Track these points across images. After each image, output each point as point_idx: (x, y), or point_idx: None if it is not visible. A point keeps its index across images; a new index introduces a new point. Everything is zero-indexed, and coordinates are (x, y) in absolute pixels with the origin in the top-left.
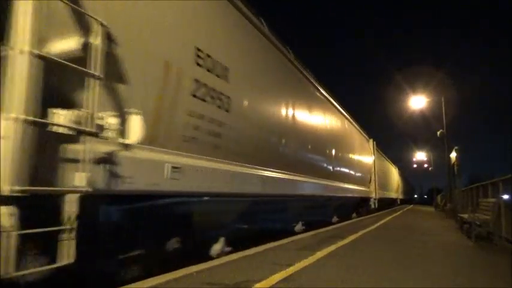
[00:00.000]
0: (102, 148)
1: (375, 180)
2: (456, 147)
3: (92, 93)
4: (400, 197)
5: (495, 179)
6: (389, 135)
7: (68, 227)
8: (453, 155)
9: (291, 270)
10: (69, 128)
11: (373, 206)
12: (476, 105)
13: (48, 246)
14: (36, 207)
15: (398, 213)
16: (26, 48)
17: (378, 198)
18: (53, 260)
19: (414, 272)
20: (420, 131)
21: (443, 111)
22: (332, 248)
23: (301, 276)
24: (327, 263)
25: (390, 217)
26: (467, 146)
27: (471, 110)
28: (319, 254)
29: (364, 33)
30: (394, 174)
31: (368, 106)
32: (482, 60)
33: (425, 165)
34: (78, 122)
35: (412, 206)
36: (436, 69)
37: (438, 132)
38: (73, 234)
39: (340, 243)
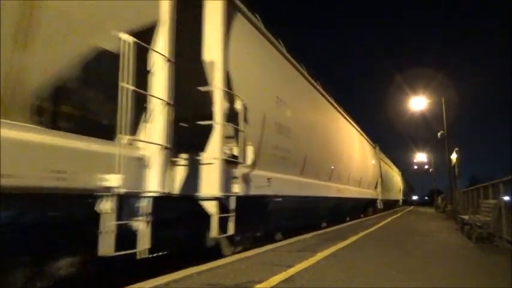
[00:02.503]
0: (243, 170)
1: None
2: (457, 149)
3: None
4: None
5: (496, 180)
6: (390, 136)
7: None
8: (454, 156)
9: (291, 271)
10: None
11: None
12: (476, 105)
13: None
14: None
15: (399, 214)
16: None
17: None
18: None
19: (415, 272)
20: (420, 132)
21: (444, 112)
22: (332, 249)
23: (301, 277)
24: (327, 264)
25: (391, 218)
26: (467, 147)
27: (471, 111)
28: (320, 255)
29: (364, 33)
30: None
31: (367, 107)
32: (481, 61)
33: (426, 167)
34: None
35: (412, 207)
36: (437, 69)
37: (439, 134)
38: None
39: (341, 244)
